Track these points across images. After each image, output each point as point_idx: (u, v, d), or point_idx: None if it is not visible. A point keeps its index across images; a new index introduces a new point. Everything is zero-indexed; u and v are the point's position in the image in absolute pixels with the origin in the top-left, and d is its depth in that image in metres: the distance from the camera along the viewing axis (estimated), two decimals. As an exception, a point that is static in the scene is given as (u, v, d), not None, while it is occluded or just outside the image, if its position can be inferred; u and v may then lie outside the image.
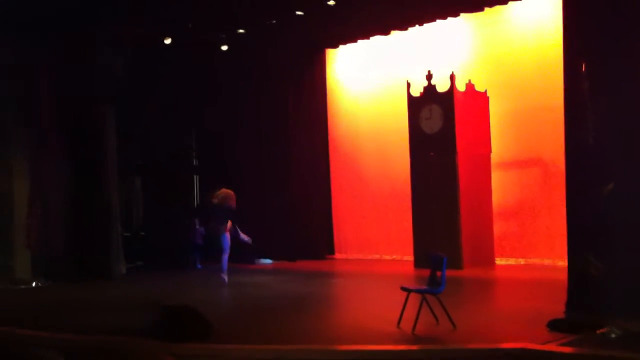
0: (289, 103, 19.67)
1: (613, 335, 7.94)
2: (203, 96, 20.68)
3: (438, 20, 16.75)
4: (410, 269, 15.94)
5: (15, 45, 16.27)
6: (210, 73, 19.85)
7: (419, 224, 16.13)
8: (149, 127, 18.81)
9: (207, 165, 20.59)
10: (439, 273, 9.20)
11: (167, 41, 17.04)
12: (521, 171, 16.32)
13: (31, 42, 16.24)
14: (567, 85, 9.10)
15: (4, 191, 16.45)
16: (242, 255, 17.85)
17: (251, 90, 19.52)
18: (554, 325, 8.48)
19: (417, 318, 8.85)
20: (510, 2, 15.73)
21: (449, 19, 16.63)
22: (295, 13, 16.12)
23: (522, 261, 15.89)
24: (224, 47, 18.11)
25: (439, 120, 15.72)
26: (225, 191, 15.20)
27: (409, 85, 16.26)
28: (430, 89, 15.89)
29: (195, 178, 20.55)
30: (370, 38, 18.40)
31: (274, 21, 16.73)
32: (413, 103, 16.24)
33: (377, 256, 18.69)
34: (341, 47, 19.58)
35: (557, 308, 8.90)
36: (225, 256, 14.94)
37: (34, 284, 15.76)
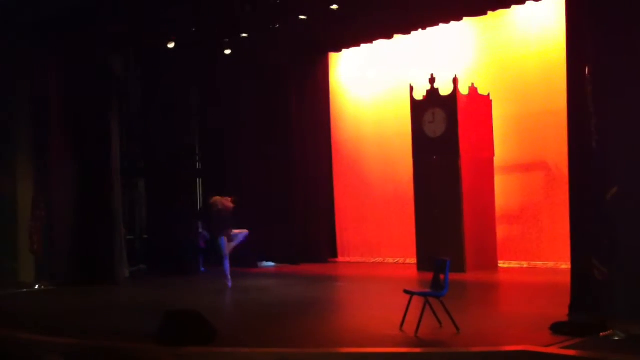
0: (292, 107, 19.71)
1: (616, 338, 7.94)
2: (206, 99, 20.74)
3: (441, 24, 16.75)
4: (413, 272, 15.96)
5: (19, 46, 16.32)
6: (214, 76, 19.89)
7: (421, 227, 16.13)
8: (152, 129, 18.82)
9: (210, 168, 20.61)
10: (442, 276, 9.19)
11: (171, 45, 17.06)
12: (524, 175, 16.33)
13: (36, 43, 16.29)
14: (570, 89, 9.11)
15: (7, 193, 16.49)
16: (245, 258, 17.89)
17: (254, 93, 19.55)
18: (557, 328, 8.48)
19: (419, 321, 8.84)
20: (513, 6, 15.73)
21: (452, 22, 16.64)
22: (298, 17, 16.14)
23: (525, 264, 15.88)
24: (228, 51, 18.14)
25: (442, 123, 15.72)
26: (218, 198, 15.30)
27: (412, 88, 16.27)
28: (433, 93, 15.90)
29: (198, 181, 20.56)
30: (374, 42, 18.41)
31: (277, 25, 16.75)
32: (416, 106, 16.25)
33: (380, 259, 18.69)
34: (344, 51, 19.61)
35: (561, 311, 8.90)
36: (226, 261, 14.96)
37: (37, 287, 15.77)
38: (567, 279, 9.17)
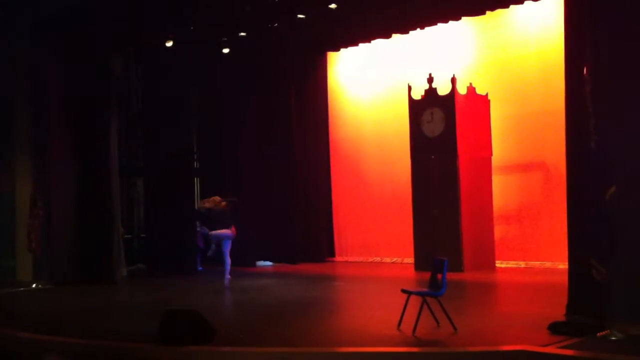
0: (291, 106, 19.70)
1: (614, 338, 7.95)
2: (205, 99, 20.73)
3: (439, 24, 16.74)
4: (411, 271, 15.98)
5: (19, 46, 16.34)
6: (213, 76, 19.88)
7: (419, 226, 16.15)
8: (151, 129, 18.81)
9: (209, 167, 20.61)
10: (439, 276, 9.20)
11: (169, 44, 17.06)
12: (522, 174, 16.34)
13: (36, 43, 16.32)
14: (568, 89, 9.12)
15: (6, 192, 16.49)
16: (243, 257, 17.90)
17: (253, 93, 19.54)
18: (555, 328, 8.49)
19: (417, 320, 8.86)
20: (512, 6, 15.73)
21: (451, 22, 16.63)
22: (296, 16, 16.14)
23: (522, 264, 15.90)
24: (226, 50, 18.14)
25: (440, 123, 15.74)
26: (214, 198, 15.41)
27: (410, 88, 16.29)
28: (431, 92, 15.92)
29: (197, 180, 20.56)
30: (372, 41, 18.39)
31: (276, 24, 16.75)
32: (414, 106, 16.26)
33: (377, 259, 18.70)
34: (342, 50, 19.60)
35: (558, 311, 8.91)
36: (227, 259, 15.03)
37: (34, 286, 15.76)
38: (565, 279, 9.18)
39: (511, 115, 16.30)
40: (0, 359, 9.23)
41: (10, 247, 16.55)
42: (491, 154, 16.21)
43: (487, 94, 16.17)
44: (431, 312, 9.11)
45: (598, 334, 8.09)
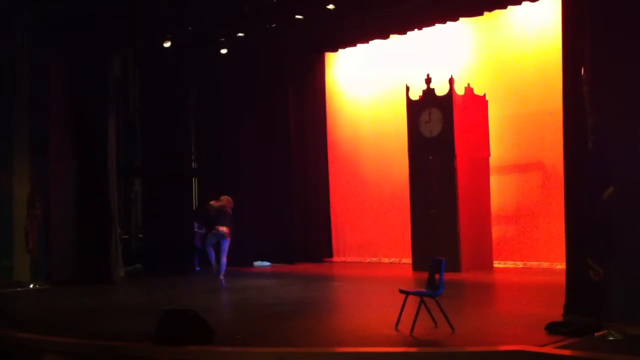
0: (289, 106, 19.71)
1: (611, 339, 7.95)
2: (204, 99, 20.72)
3: (437, 25, 16.75)
4: (409, 272, 15.98)
5: (19, 45, 16.33)
6: (211, 76, 19.89)
7: (417, 227, 16.16)
8: (150, 129, 18.80)
9: (206, 167, 20.61)
10: (437, 276, 9.21)
11: (167, 44, 17.06)
12: (520, 175, 16.36)
13: (35, 42, 16.29)
14: (566, 89, 9.13)
15: (3, 191, 16.46)
16: (241, 257, 17.91)
17: (251, 92, 19.56)
18: (552, 328, 8.50)
19: (415, 320, 8.86)
20: (509, 7, 15.75)
21: (448, 23, 16.64)
22: (294, 17, 16.15)
23: (520, 264, 15.92)
24: (224, 51, 18.14)
25: (438, 123, 15.75)
26: (224, 197, 15.46)
27: (408, 88, 16.30)
28: (429, 93, 15.93)
29: (195, 180, 20.56)
30: (370, 42, 18.40)
31: (274, 25, 16.76)
32: (412, 106, 16.28)
33: (375, 259, 18.71)
34: (340, 50, 19.61)
35: (556, 311, 8.91)
36: (224, 259, 15.02)
37: (32, 286, 15.75)
38: (563, 279, 9.18)
39: (509, 116, 16.32)
40: (-2, 359, 9.24)
41: (8, 247, 16.51)
42: (489, 155, 16.23)
43: (484, 95, 16.18)
44: (429, 312, 9.11)
45: (596, 334, 8.09)
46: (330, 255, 19.74)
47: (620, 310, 8.19)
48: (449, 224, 15.46)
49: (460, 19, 16.51)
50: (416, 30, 17.16)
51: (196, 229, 18.42)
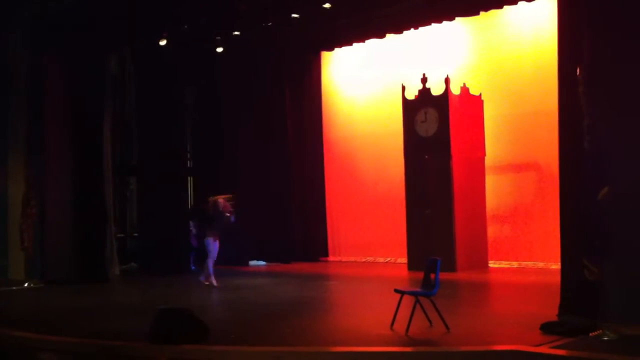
0: (285, 105, 19.70)
1: (606, 338, 7.97)
2: (200, 98, 20.71)
3: (433, 24, 16.76)
4: (404, 271, 15.99)
5: (16, 45, 16.31)
6: (207, 75, 19.88)
7: (413, 226, 16.16)
8: (145, 128, 18.78)
9: (202, 166, 20.60)
10: (432, 275, 9.22)
11: (162, 42, 17.03)
12: (515, 175, 16.38)
13: (32, 42, 16.26)
14: (561, 89, 9.14)
15: (-1, 190, 16.46)
16: (236, 257, 17.90)
17: (248, 92, 19.53)
18: (548, 328, 8.51)
19: (410, 320, 8.87)
20: (505, 7, 15.76)
21: (445, 22, 16.66)
22: (290, 15, 16.15)
23: (515, 264, 15.93)
24: (220, 49, 18.12)
25: (434, 123, 15.76)
26: (215, 198, 15.31)
27: (404, 88, 16.30)
28: (425, 92, 15.94)
29: (190, 179, 20.55)
30: (366, 41, 18.41)
31: (270, 24, 16.75)
32: (408, 106, 16.28)
33: (371, 259, 18.72)
34: (337, 50, 19.61)
35: (551, 311, 8.92)
36: (210, 261, 14.92)
37: (27, 285, 15.72)
38: (558, 279, 9.20)
39: (505, 116, 16.33)
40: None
41: (3, 246, 16.50)
42: (484, 154, 16.24)
43: (480, 95, 16.20)
44: (424, 311, 9.12)
45: (591, 334, 8.12)
46: (326, 254, 19.74)
47: (615, 310, 8.20)
48: (444, 223, 15.46)
49: (457, 18, 16.52)
50: (412, 29, 17.18)
51: (192, 228, 18.40)
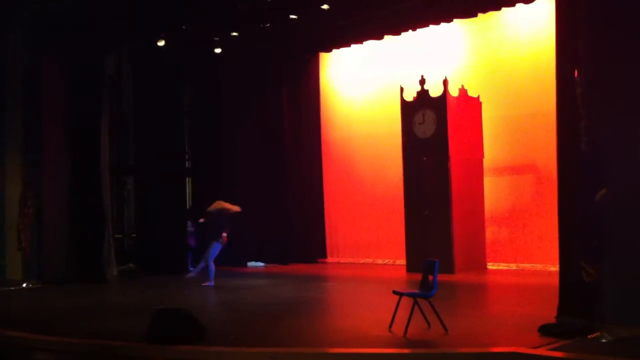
0: (283, 106, 19.70)
1: (604, 341, 7.96)
2: (198, 98, 20.69)
3: (431, 26, 16.76)
4: (402, 273, 15.98)
5: (13, 45, 16.29)
6: (205, 75, 19.86)
7: (411, 228, 16.16)
8: (143, 128, 18.76)
9: (201, 167, 20.59)
10: (430, 277, 9.21)
11: (161, 43, 17.03)
12: (513, 176, 16.38)
13: (28, 42, 16.27)
14: (559, 91, 9.14)
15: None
16: (235, 258, 17.88)
17: (245, 92, 19.53)
18: (546, 330, 8.51)
19: (408, 322, 8.87)
20: (503, 8, 15.77)
21: (443, 24, 16.65)
22: (289, 17, 16.14)
23: (513, 266, 15.94)
24: (218, 50, 18.12)
25: (432, 125, 15.76)
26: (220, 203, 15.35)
27: (402, 90, 16.30)
28: (423, 94, 15.94)
29: (188, 180, 20.54)
30: (364, 42, 18.40)
31: (268, 25, 16.74)
32: (406, 108, 16.28)
33: (369, 260, 18.71)
34: (335, 51, 19.60)
35: (549, 313, 8.92)
36: (203, 264, 14.94)
37: (24, 285, 15.70)
38: (556, 280, 9.19)
39: (503, 117, 16.34)
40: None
41: (0, 246, 16.47)
42: (483, 156, 16.25)
43: (478, 96, 16.20)
44: (422, 313, 9.12)
45: (589, 336, 8.10)
46: (324, 255, 19.73)
47: (612, 311, 8.20)
48: (442, 225, 15.46)
49: (455, 20, 16.52)
50: (410, 31, 17.16)
51: (189, 229, 18.38)
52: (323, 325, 10.47)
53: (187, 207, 19.72)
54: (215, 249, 15.03)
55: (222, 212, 15.20)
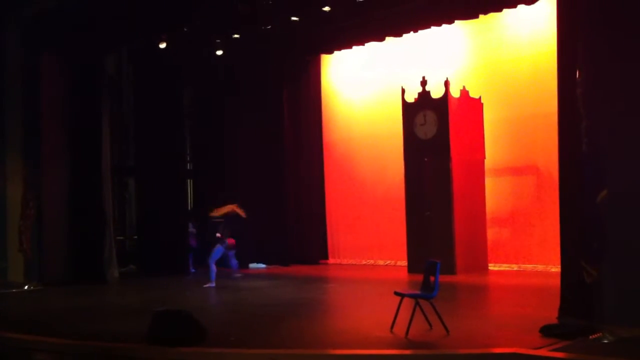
0: (284, 108, 19.70)
1: (606, 341, 7.95)
2: (199, 100, 20.70)
3: (433, 27, 16.75)
4: (404, 274, 15.97)
5: (12, 45, 16.29)
6: (205, 76, 19.87)
7: (412, 229, 16.15)
8: (144, 129, 18.77)
9: (201, 168, 20.59)
10: (432, 278, 9.21)
11: (162, 45, 17.02)
12: (515, 177, 16.36)
13: (27, 42, 16.26)
14: (560, 92, 9.14)
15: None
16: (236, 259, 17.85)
17: (246, 93, 19.54)
18: (547, 331, 8.50)
19: (410, 323, 8.86)
20: (504, 10, 15.76)
21: (444, 25, 16.64)
22: (290, 18, 16.14)
23: (515, 267, 15.92)
24: (219, 52, 18.12)
25: (433, 126, 15.75)
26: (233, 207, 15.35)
27: (403, 91, 16.29)
28: (424, 95, 15.93)
29: (189, 181, 20.54)
30: (366, 44, 18.38)
31: (269, 26, 16.74)
32: (407, 109, 16.27)
33: (371, 261, 18.69)
34: (336, 52, 19.58)
35: (550, 314, 8.91)
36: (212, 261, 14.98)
37: (26, 287, 15.70)
38: (557, 281, 9.19)
39: (504, 118, 16.32)
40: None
41: (2, 248, 16.46)
42: (484, 157, 16.24)
43: (480, 97, 16.19)
44: (424, 314, 9.11)
45: (590, 337, 8.10)
46: (326, 257, 19.71)
47: (613, 312, 8.19)
48: (444, 226, 15.45)
49: (456, 21, 16.49)
50: (412, 32, 17.14)
51: (190, 229, 18.37)
52: (324, 327, 10.46)
53: (188, 208, 19.71)
54: (218, 251, 15.04)
55: (233, 216, 15.25)
